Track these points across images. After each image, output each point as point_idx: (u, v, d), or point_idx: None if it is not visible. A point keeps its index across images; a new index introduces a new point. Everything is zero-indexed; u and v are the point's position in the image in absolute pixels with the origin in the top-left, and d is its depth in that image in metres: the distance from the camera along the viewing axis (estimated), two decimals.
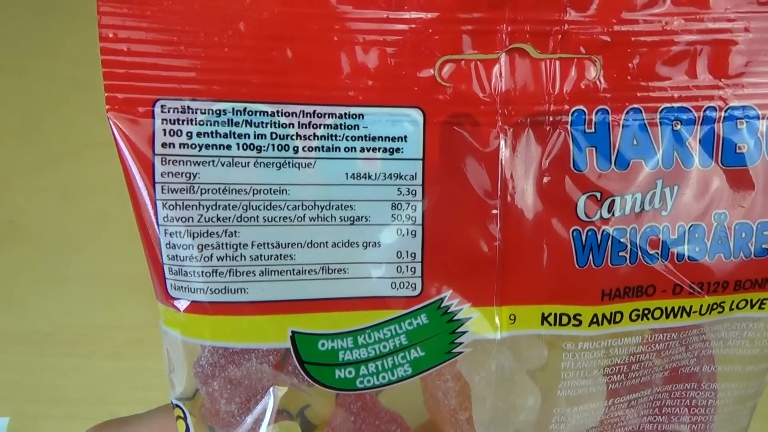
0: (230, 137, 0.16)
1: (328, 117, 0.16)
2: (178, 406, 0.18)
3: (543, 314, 0.18)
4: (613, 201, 0.17)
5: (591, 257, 0.17)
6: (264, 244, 0.16)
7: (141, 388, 0.34)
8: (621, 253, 0.17)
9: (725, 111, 0.17)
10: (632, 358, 0.19)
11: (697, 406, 0.20)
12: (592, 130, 0.17)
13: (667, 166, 0.17)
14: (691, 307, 0.18)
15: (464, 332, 0.17)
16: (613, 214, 0.17)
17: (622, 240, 0.17)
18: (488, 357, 0.18)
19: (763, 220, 0.18)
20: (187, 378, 0.17)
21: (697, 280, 0.18)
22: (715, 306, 0.18)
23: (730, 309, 0.19)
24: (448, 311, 0.17)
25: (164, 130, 0.16)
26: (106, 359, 0.36)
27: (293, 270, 0.16)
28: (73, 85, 0.40)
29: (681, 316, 0.18)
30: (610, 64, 0.17)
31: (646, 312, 0.18)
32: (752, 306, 0.19)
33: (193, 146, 0.16)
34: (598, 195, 0.17)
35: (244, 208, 0.16)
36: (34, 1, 0.43)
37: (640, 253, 0.18)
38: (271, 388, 0.17)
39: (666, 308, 0.18)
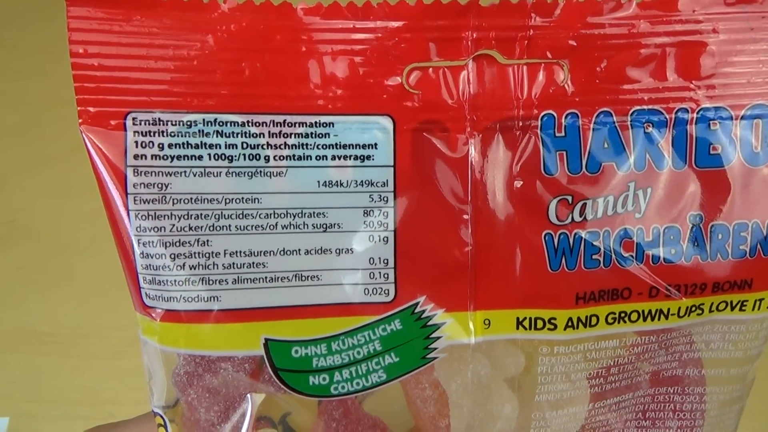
0: (201, 148, 0.17)
1: (299, 126, 0.17)
2: (158, 414, 0.19)
3: (518, 318, 0.18)
4: (585, 204, 0.18)
5: (564, 261, 0.18)
6: (236, 252, 0.17)
7: (141, 388, 0.35)
8: (594, 257, 0.18)
9: (697, 112, 0.18)
10: (611, 362, 0.19)
11: (683, 411, 0.21)
12: (563, 134, 0.18)
13: (640, 168, 0.18)
14: (668, 309, 0.19)
15: (438, 337, 0.18)
16: (585, 218, 0.18)
17: (595, 243, 0.18)
18: (464, 364, 0.19)
19: (740, 221, 0.18)
20: (167, 387, 0.18)
21: (674, 282, 0.18)
22: (693, 308, 0.19)
23: (710, 311, 0.19)
24: (422, 317, 0.18)
25: (136, 142, 0.16)
26: (106, 359, 0.37)
27: (266, 278, 0.17)
28: (73, 85, 0.41)
29: (658, 318, 0.19)
30: (577, 68, 0.17)
31: (622, 315, 0.18)
32: (732, 308, 0.19)
33: (165, 157, 0.17)
34: (570, 198, 0.18)
35: (216, 217, 0.17)
36: (34, 1, 0.44)
37: (614, 255, 0.18)
38: (249, 395, 0.18)
39: (643, 311, 0.19)
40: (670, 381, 0.20)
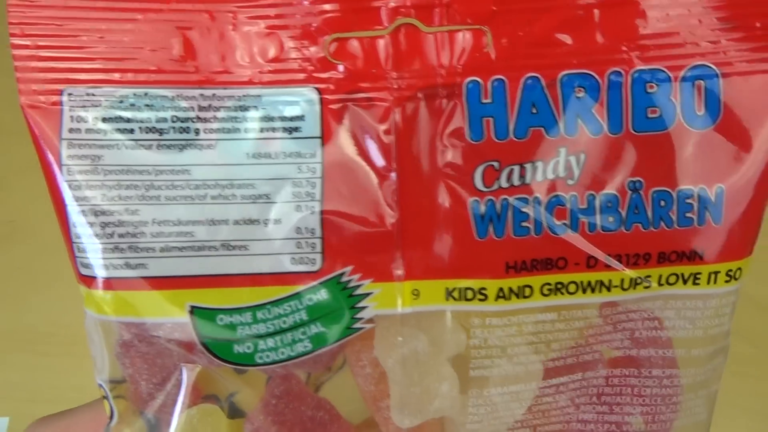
0: (132, 121, 0.18)
1: (228, 100, 0.18)
2: (101, 386, 0.20)
3: (447, 289, 0.19)
4: (512, 170, 0.18)
5: (491, 228, 0.18)
6: (165, 221, 0.18)
7: None
8: (524, 224, 0.18)
9: (631, 75, 0.18)
10: (551, 337, 0.19)
11: (642, 396, 0.20)
12: (489, 100, 0.18)
13: (571, 133, 0.18)
14: (610, 281, 0.19)
15: (365, 307, 0.19)
16: (512, 184, 0.18)
17: (524, 210, 0.18)
18: (401, 340, 0.19)
19: (685, 188, 0.18)
20: (109, 359, 0.20)
21: (614, 252, 0.19)
22: (639, 280, 0.19)
23: (660, 284, 0.19)
24: (349, 286, 0.19)
25: (71, 116, 0.18)
26: None
27: (193, 246, 0.18)
28: None
29: (600, 290, 0.19)
30: (500, 33, 0.18)
31: (559, 286, 0.19)
32: (685, 281, 0.19)
33: (98, 131, 0.18)
34: (497, 164, 0.18)
35: (146, 188, 0.18)
36: None
37: (545, 223, 0.18)
38: (182, 367, 0.19)
39: (581, 282, 0.19)
40: (624, 362, 0.20)
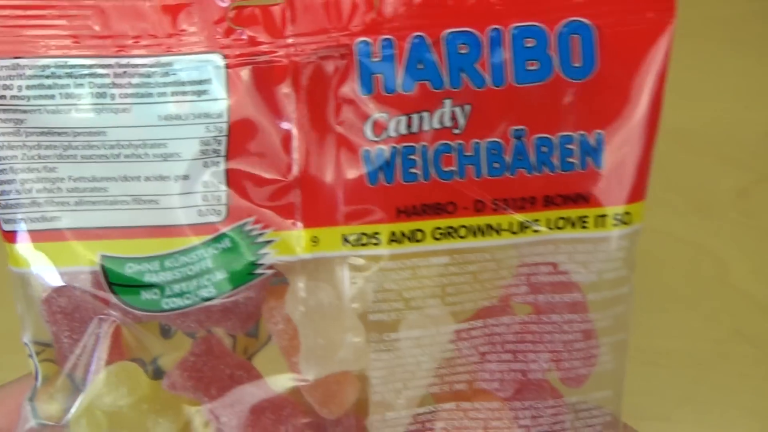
0: (53, 88, 0.20)
1: (141, 67, 0.20)
2: (26, 344, 0.21)
3: (343, 235, 0.20)
4: (399, 120, 0.20)
5: (381, 175, 0.20)
6: (80, 178, 0.20)
7: None
8: (412, 170, 0.20)
9: (510, 31, 0.20)
10: (445, 281, 0.20)
11: (543, 342, 0.21)
12: (378, 58, 0.20)
13: (455, 86, 0.20)
14: (499, 224, 0.20)
15: (265, 254, 0.20)
16: (399, 133, 0.20)
17: (411, 157, 0.20)
18: (302, 286, 0.20)
19: (565, 134, 0.20)
20: (32, 317, 0.21)
21: (500, 196, 0.20)
22: (527, 224, 0.20)
23: (550, 228, 0.20)
24: (251, 235, 0.20)
25: None
26: None
27: (106, 201, 0.20)
28: None
29: (490, 234, 0.20)
30: None
31: (449, 230, 0.20)
32: (573, 225, 0.20)
33: (22, 97, 0.20)
34: (386, 116, 0.20)
35: (64, 148, 0.20)
36: None
37: (433, 169, 0.20)
38: (99, 319, 0.20)
39: (471, 226, 0.20)
40: (525, 308, 0.21)
